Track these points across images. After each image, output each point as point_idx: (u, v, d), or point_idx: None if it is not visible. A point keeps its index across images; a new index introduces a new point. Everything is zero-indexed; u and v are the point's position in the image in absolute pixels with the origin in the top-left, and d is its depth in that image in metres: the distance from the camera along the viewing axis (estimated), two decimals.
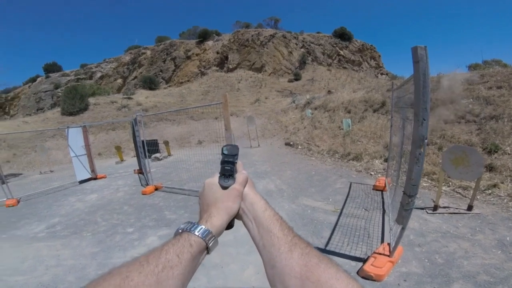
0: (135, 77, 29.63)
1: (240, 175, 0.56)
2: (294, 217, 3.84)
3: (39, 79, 31.78)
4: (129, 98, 18.49)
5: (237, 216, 0.54)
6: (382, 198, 4.25)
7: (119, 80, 30.28)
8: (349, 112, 9.46)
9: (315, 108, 11.85)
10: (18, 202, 6.23)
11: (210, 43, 30.15)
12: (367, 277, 2.43)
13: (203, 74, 27.63)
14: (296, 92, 19.75)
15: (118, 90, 27.77)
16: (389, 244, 2.72)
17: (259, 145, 10.52)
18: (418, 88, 2.02)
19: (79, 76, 30.67)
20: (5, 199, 6.17)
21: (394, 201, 3.35)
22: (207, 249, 0.46)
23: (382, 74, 34.51)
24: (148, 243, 3.70)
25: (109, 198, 6.02)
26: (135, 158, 10.38)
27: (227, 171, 0.55)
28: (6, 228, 4.79)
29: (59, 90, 29.44)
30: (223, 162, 0.56)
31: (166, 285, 0.37)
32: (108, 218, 4.80)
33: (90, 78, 30.55)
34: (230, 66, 27.89)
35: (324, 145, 7.98)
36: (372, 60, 35.04)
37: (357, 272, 2.51)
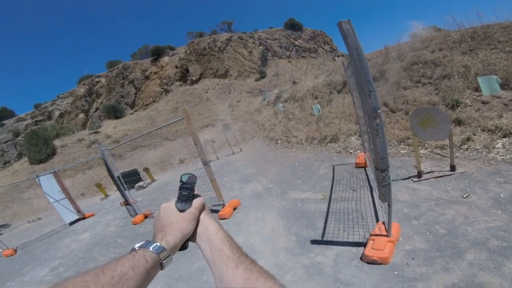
0: (97, 108, 28.26)
1: (196, 201, 0.61)
2: (286, 213, 3.81)
3: None
4: (96, 132, 17.65)
5: (192, 238, 0.58)
6: (366, 174, 4.25)
7: (81, 115, 28.68)
8: (316, 98, 9.84)
9: (285, 101, 12.16)
10: (16, 251, 6.41)
11: (166, 59, 29.56)
12: (372, 262, 2.29)
13: (167, 91, 27.04)
14: (265, 89, 20.05)
15: (83, 126, 26.36)
16: (384, 223, 2.58)
17: (241, 150, 10.60)
18: (355, 62, 1.96)
19: (36, 118, 28.56)
20: (1, 250, 6.40)
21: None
22: (161, 265, 0.50)
23: (338, 56, 36.04)
24: None
25: (102, 234, 6.01)
26: (116, 192, 10.16)
27: (184, 196, 0.60)
28: (13, 276, 4.98)
29: (20, 137, 27.25)
30: (180, 188, 0.61)
31: None
32: (105, 253, 4.79)
33: (49, 118, 28.62)
34: (194, 78, 27.58)
35: (301, 135, 8.24)
36: (326, 45, 36.49)
37: (361, 258, 2.39)
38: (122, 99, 27.56)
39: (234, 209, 4.68)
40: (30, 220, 10.57)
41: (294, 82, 14.06)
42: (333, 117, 7.72)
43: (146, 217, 6.01)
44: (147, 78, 28.18)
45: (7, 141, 27.38)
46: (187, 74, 28.03)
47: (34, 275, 4.77)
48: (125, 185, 6.35)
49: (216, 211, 4.68)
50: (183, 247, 0.58)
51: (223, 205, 4.70)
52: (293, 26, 33.52)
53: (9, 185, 12.79)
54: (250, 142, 11.56)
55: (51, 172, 7.46)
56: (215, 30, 34.70)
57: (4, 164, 25.11)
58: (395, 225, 2.54)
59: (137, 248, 0.50)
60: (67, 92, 30.42)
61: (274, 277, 0.47)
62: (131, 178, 10.56)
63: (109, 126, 19.25)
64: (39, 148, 15.79)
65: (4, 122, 28.96)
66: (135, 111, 25.93)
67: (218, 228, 0.57)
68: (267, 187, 5.26)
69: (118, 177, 6.30)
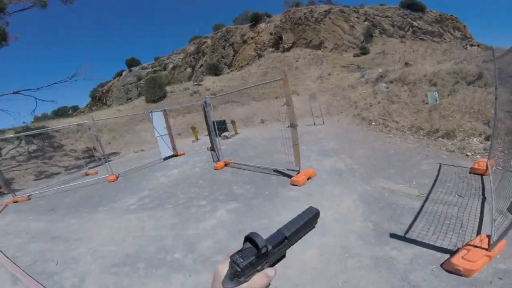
0: (201, 65, 31.79)
1: (253, 282, 0.42)
2: (368, 199, 3.56)
3: (124, 73, 37.11)
4: (199, 84, 20.14)
5: None
6: (482, 183, 3.57)
7: (188, 69, 33.05)
8: (434, 85, 8.03)
9: (390, 82, 10.50)
10: (117, 177, 7.15)
11: (262, 25, 29.70)
12: (453, 271, 2.14)
13: (260, 56, 27.62)
14: (365, 67, 17.86)
15: (189, 78, 30.43)
16: (488, 236, 2.33)
17: (323, 123, 10.11)
18: None
19: (155, 68, 34.74)
20: (107, 175, 7.17)
21: (500, 187, 2.75)
22: None
23: (472, 45, 27.96)
24: (217, 216, 3.86)
25: (188, 173, 6.60)
26: (207, 137, 11.52)
27: (233, 271, 0.42)
28: (107, 201, 5.45)
29: (141, 81, 34.32)
30: (231, 258, 0.42)
31: None
32: (186, 191, 5.20)
33: (164, 69, 34.25)
34: (286, 46, 26.97)
35: (404, 121, 7.08)
36: (457, 31, 28.61)
37: (441, 265, 2.22)
38: (222, 59, 29.98)
39: (308, 178, 4.56)
40: (135, 150, 12.12)
41: (406, 64, 11.85)
42: (454, 110, 6.22)
43: (226, 165, 6.57)
44: (244, 42, 29.33)
45: (132, 83, 35.04)
46: (280, 42, 27.63)
47: (124, 202, 5.13)
48: (217, 132, 6.98)
49: (290, 176, 4.72)
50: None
51: (298, 172, 4.63)
52: (412, 6, 27.45)
53: (129, 116, 15.46)
54: (336, 117, 10.83)
55: (161, 110, 8.86)
56: (313, 1, 32.08)
57: (127, 100, 32.31)
58: (502, 242, 2.25)
59: None
60: (180, 49, 35.19)
61: None
62: (219, 127, 11.74)
63: (209, 81, 21.47)
64: (155, 91, 19.25)
65: (132, 68, 36.54)
66: (231, 71, 27.92)
67: None
68: (351, 167, 4.88)
69: (213, 122, 6.97)
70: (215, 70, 26.46)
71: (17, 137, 11.87)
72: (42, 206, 5.93)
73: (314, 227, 0.48)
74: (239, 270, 0.41)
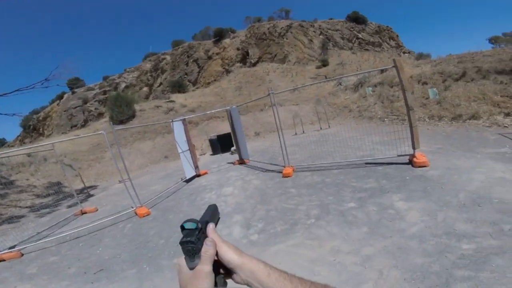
0: (160, 83, 30.09)
1: (205, 252, 0.49)
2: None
3: (66, 95, 32.15)
4: (171, 101, 18.86)
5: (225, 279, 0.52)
6: None
7: (145, 88, 30.79)
8: (425, 83, 9.41)
9: (375, 85, 11.83)
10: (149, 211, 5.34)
11: (227, 41, 30.31)
12: None
13: (228, 71, 27.88)
14: (330, 77, 19.74)
15: (146, 98, 28.27)
16: None
17: (329, 126, 10.63)
18: None
19: (104, 89, 31.21)
20: (132, 209, 5.38)
21: None
22: None
23: (404, 53, 34.10)
24: (408, 220, 2.93)
25: (253, 187, 5.16)
26: (205, 156, 10.58)
27: (189, 251, 0.49)
28: None
29: (88, 104, 30.46)
30: (182, 243, 0.49)
31: None
32: (293, 202, 4.04)
33: (115, 89, 31.02)
34: (252, 61, 28.00)
35: (418, 114, 8.00)
36: (392, 40, 34.62)
37: None
38: (185, 76, 29.03)
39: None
40: (120, 180, 8.88)
41: (382, 71, 13.56)
42: (461, 100, 7.39)
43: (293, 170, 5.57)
44: (209, 58, 29.25)
45: (76, 107, 30.49)
46: (247, 57, 28.54)
47: (230, 233, 3.61)
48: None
49: (396, 163, 4.56)
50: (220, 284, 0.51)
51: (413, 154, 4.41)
52: (356, 19, 32.38)
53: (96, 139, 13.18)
54: (334, 121, 11.52)
55: (181, 119, 7.51)
56: (272, 16, 34.68)
57: (71, 127, 27.95)
58: None
59: None
60: (133, 67, 32.72)
61: None
62: (224, 143, 11.10)
63: (180, 98, 20.41)
64: (122, 110, 17.12)
65: (75, 90, 32.07)
66: (197, 88, 27.19)
67: (266, 268, 0.49)
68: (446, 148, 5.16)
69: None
70: (179, 87, 25.36)
71: None
72: (67, 266, 3.70)
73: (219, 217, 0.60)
74: (193, 243, 0.48)
